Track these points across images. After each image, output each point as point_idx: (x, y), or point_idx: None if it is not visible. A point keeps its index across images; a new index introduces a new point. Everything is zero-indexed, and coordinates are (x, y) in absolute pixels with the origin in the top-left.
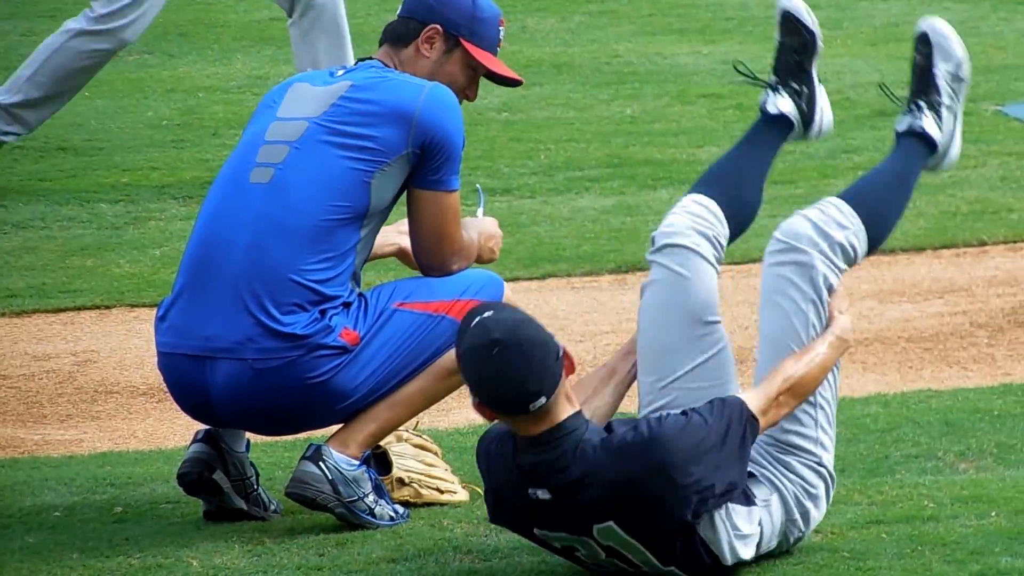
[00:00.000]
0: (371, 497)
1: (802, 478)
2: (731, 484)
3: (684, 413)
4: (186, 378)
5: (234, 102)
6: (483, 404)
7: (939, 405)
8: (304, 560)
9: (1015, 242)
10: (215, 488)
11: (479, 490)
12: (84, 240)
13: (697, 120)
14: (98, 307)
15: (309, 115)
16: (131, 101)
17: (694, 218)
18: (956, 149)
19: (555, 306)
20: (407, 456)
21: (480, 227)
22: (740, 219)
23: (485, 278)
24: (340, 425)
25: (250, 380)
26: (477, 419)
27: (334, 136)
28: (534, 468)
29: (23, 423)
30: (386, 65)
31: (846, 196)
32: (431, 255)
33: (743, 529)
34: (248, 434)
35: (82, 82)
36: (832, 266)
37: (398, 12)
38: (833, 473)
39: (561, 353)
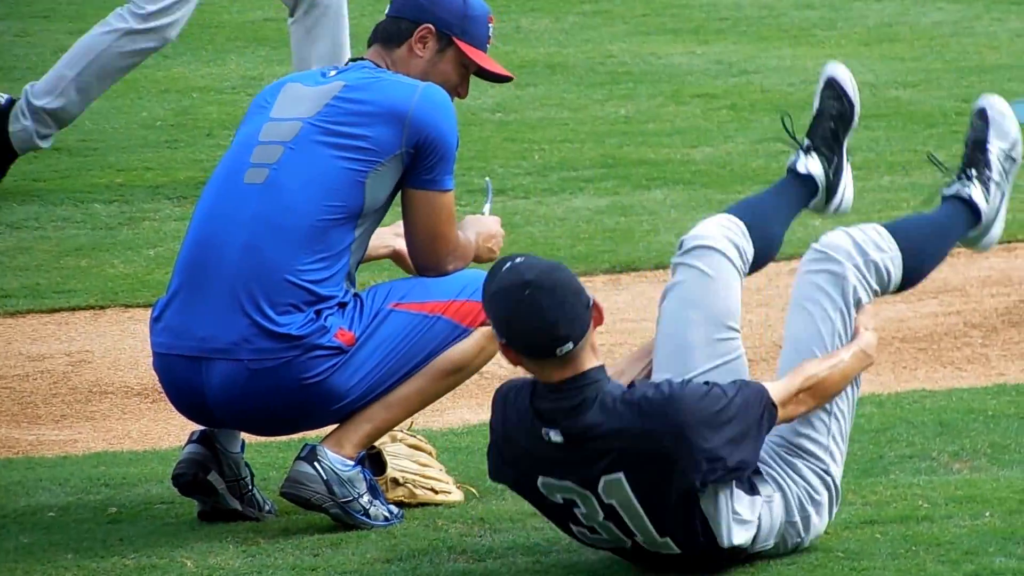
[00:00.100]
0: (366, 498)
1: (807, 482)
2: (742, 462)
3: (707, 383)
4: (182, 379)
5: (228, 102)
6: (509, 347)
7: (933, 405)
8: (298, 560)
9: (1009, 242)
10: (210, 489)
11: (474, 491)
12: (78, 240)
13: (691, 120)
14: (92, 307)
15: (303, 115)
16: (125, 101)
17: (724, 228)
18: (999, 227)
19: None
20: (401, 456)
21: (479, 227)
22: (761, 251)
23: (481, 278)
24: (335, 425)
25: (246, 381)
26: (471, 419)
27: (328, 136)
28: (552, 411)
29: (17, 423)
30: (378, 65)
31: (888, 226)
32: (426, 255)
33: (743, 514)
34: (243, 434)
35: (116, 81)
36: (864, 283)
37: (387, 12)
38: (839, 487)
39: (591, 303)
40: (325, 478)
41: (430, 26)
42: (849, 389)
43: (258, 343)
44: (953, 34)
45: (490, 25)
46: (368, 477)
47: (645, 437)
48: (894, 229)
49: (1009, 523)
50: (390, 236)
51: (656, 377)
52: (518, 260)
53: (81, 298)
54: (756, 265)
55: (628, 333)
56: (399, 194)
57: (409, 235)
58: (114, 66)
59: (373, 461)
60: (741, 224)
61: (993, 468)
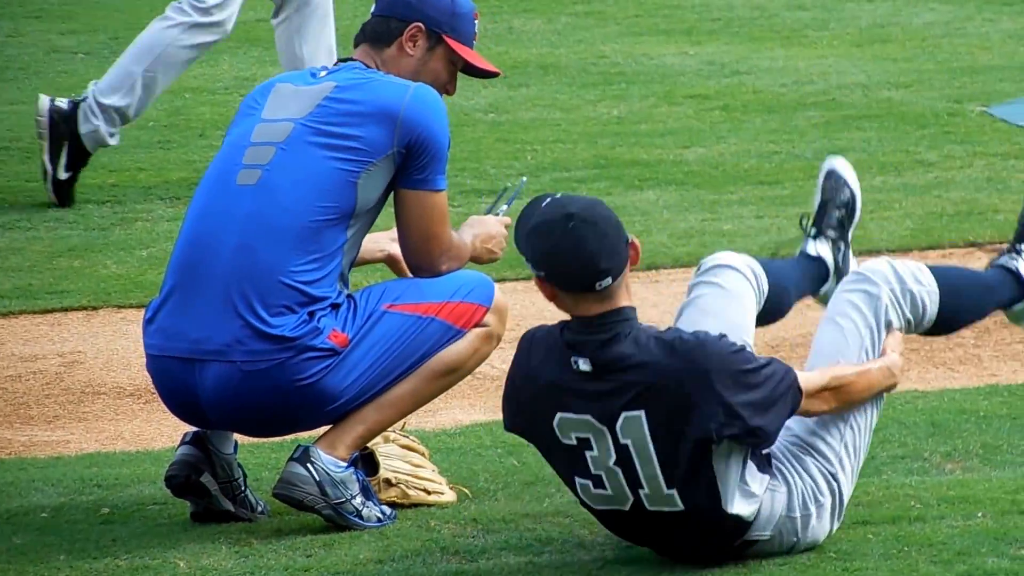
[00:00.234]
0: (358, 499)
1: (814, 481)
2: (760, 429)
3: (743, 345)
4: (175, 381)
5: (220, 103)
6: (546, 280)
7: (925, 406)
8: (291, 561)
9: (1001, 243)
10: (203, 490)
11: (467, 491)
12: (71, 241)
13: (684, 121)
14: (85, 308)
15: (295, 116)
16: None
17: (743, 256)
18: None
19: (542, 307)
20: (394, 457)
21: (478, 228)
22: (772, 299)
23: (475, 279)
24: (328, 426)
25: (239, 382)
26: (464, 420)
27: (320, 137)
28: (583, 342)
29: (10, 424)
30: (367, 66)
31: (931, 266)
32: (419, 255)
33: (751, 486)
34: (236, 435)
35: (179, 75)
36: (898, 308)
37: (373, 11)
38: (844, 498)
39: (629, 240)
40: (318, 479)
41: (420, 24)
42: (869, 408)
43: (251, 345)
44: (945, 35)
45: (476, 21)
46: (361, 478)
47: (671, 375)
48: (936, 270)
49: (1001, 523)
50: (385, 240)
51: None
52: (558, 196)
53: (74, 299)
54: (765, 316)
55: None
56: (392, 195)
57: (402, 236)
58: (177, 59)
59: (366, 462)
60: (758, 264)
61: (985, 468)
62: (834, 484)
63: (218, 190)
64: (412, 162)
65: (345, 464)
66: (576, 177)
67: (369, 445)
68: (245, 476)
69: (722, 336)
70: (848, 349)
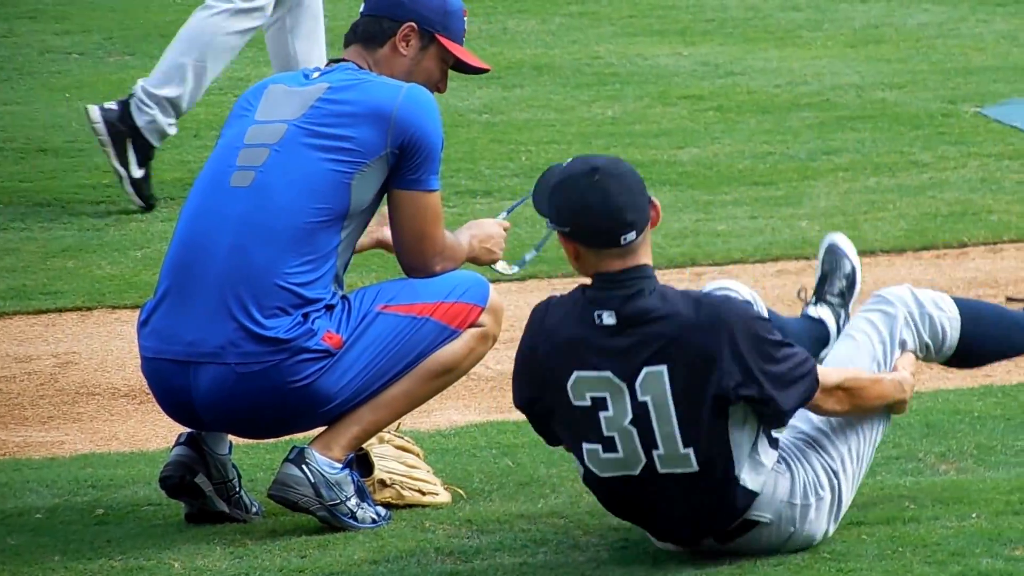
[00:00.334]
0: (353, 500)
1: (816, 474)
2: (774, 400)
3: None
4: (170, 383)
5: (215, 104)
6: (571, 237)
7: (919, 407)
8: (286, 562)
9: (995, 243)
10: (197, 491)
11: (461, 492)
12: (65, 241)
13: (678, 121)
14: (79, 309)
15: (288, 117)
16: None
17: (747, 286)
18: None
19: None
20: (389, 458)
21: (476, 229)
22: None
23: (470, 280)
24: (324, 427)
25: (233, 384)
26: (459, 421)
27: (314, 138)
28: (607, 297)
29: (4, 425)
30: (359, 66)
31: (955, 297)
32: (413, 256)
33: (761, 458)
34: (231, 436)
35: (228, 63)
36: (914, 329)
37: (362, 10)
38: (843, 499)
39: (651, 199)
40: (313, 481)
41: (413, 24)
42: (876, 422)
43: (245, 347)
44: (939, 36)
45: (466, 18)
46: (356, 479)
47: (695, 329)
48: (960, 300)
49: (995, 524)
50: (372, 226)
51: None
52: (580, 154)
53: (68, 299)
54: None
55: None
56: (386, 196)
57: (396, 236)
58: (224, 47)
59: (360, 462)
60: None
61: (979, 469)
62: (835, 481)
63: (212, 192)
64: (405, 163)
65: (340, 466)
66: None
67: (364, 446)
68: (240, 477)
69: (748, 303)
70: (860, 358)
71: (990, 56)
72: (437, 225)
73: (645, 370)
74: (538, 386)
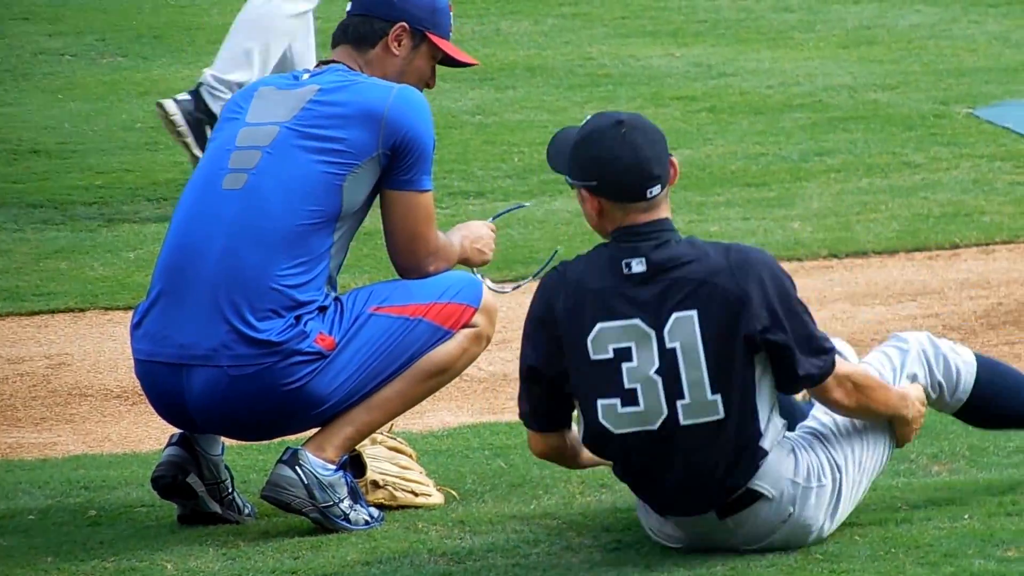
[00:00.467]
0: (346, 502)
1: (820, 462)
2: (793, 356)
3: None
4: (163, 385)
5: None
6: (596, 192)
7: None
8: (279, 563)
9: (987, 244)
10: (189, 492)
11: (454, 493)
12: (58, 243)
13: (671, 122)
14: (72, 310)
15: (280, 120)
16: (105, 104)
17: None
18: None
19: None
20: (381, 459)
21: (466, 230)
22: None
23: (464, 280)
24: (317, 428)
25: (226, 387)
26: (451, 422)
27: (306, 140)
28: (635, 247)
29: None
30: (350, 67)
31: (976, 353)
32: (406, 256)
33: (776, 422)
34: (223, 438)
35: (287, 45)
36: (926, 367)
37: (350, 10)
38: (842, 496)
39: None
40: (306, 482)
41: (404, 24)
42: (882, 443)
43: (238, 349)
44: (931, 37)
45: (451, 13)
46: (349, 481)
47: (726, 272)
48: (980, 357)
49: (988, 525)
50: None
51: None
52: (596, 112)
53: (61, 300)
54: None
55: None
56: (378, 197)
57: (388, 237)
58: (283, 30)
59: (353, 463)
60: None
61: (972, 470)
62: (837, 475)
63: (204, 194)
64: (397, 163)
65: (334, 467)
66: (563, 179)
67: (357, 447)
68: (232, 478)
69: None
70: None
71: (982, 57)
72: (430, 225)
73: (675, 315)
74: (555, 345)
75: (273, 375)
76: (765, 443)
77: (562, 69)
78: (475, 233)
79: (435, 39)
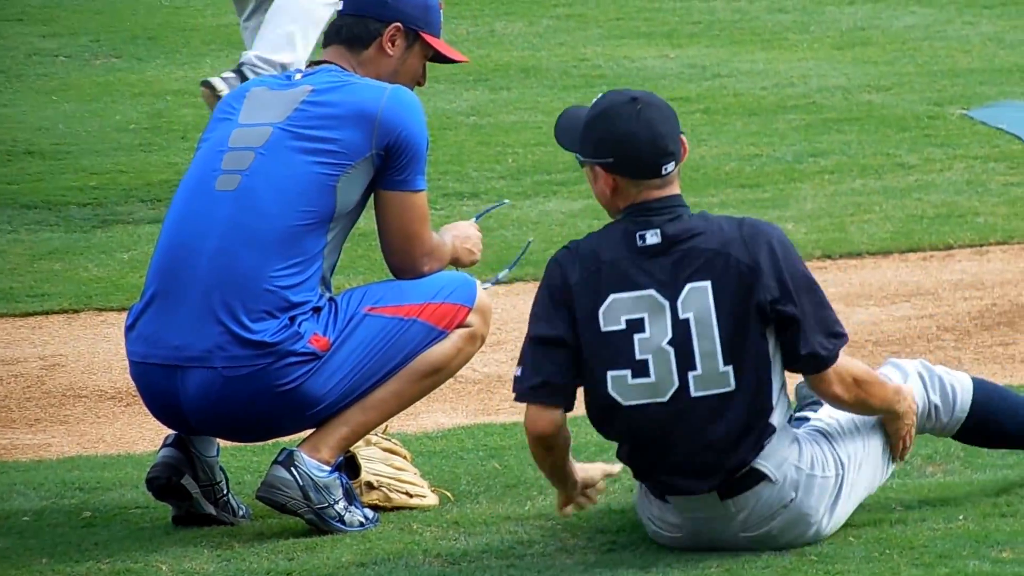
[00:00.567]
0: (341, 504)
1: (824, 454)
2: (801, 330)
3: None
4: (158, 387)
5: (202, 106)
6: (612, 168)
7: None
8: (273, 564)
9: (981, 246)
10: (184, 493)
11: (448, 494)
12: (52, 244)
13: None
14: (66, 311)
15: (273, 120)
16: (99, 105)
17: None
18: None
19: (523, 309)
20: (376, 460)
21: (455, 230)
22: None
23: (458, 280)
24: (312, 429)
25: (220, 388)
26: (446, 423)
27: (299, 141)
28: (649, 220)
29: None
30: (342, 67)
31: (972, 376)
32: (401, 256)
33: (784, 402)
34: (219, 439)
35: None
36: (924, 387)
37: (341, 11)
38: (842, 493)
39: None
40: (301, 484)
41: (399, 24)
42: (883, 458)
43: (232, 350)
44: (925, 38)
45: (441, 10)
46: (344, 482)
47: (739, 243)
48: (975, 377)
49: (983, 526)
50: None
51: None
52: (608, 90)
53: (55, 302)
54: None
55: None
56: (371, 197)
57: (383, 238)
58: (319, 16)
59: (348, 465)
60: None
61: (966, 471)
62: (840, 470)
63: (197, 196)
64: (391, 163)
65: (329, 469)
66: (557, 180)
67: (351, 448)
68: (227, 479)
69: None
70: None
71: (976, 58)
72: (424, 225)
73: (688, 286)
74: (564, 316)
75: (268, 376)
76: (774, 419)
77: (557, 70)
78: (464, 233)
79: (428, 38)
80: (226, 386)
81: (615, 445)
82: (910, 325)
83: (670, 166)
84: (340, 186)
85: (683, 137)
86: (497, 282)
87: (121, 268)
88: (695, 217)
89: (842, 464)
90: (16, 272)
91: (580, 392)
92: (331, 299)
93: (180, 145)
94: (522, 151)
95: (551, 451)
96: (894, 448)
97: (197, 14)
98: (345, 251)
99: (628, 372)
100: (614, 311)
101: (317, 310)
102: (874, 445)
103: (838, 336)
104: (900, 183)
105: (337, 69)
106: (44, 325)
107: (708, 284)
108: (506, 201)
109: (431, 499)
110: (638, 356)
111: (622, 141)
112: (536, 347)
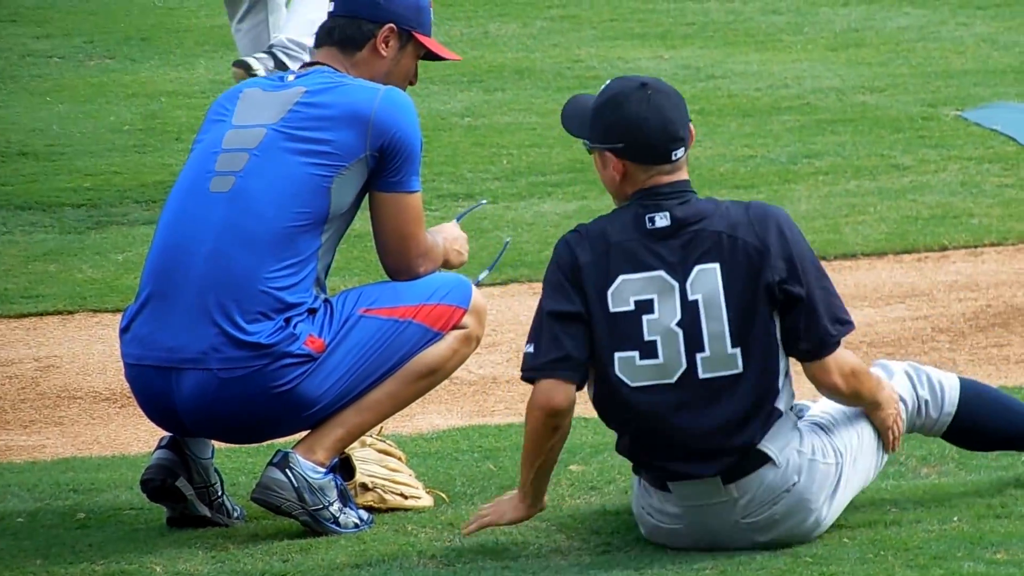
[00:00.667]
0: (336, 505)
1: (823, 443)
2: (810, 310)
3: None
4: (153, 389)
5: (196, 107)
6: (622, 153)
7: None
8: (268, 566)
9: (976, 247)
10: (178, 495)
11: (443, 496)
12: (47, 245)
13: None
14: (61, 312)
15: (267, 122)
16: (93, 106)
17: None
18: None
19: (517, 311)
20: (371, 461)
21: (444, 232)
22: None
23: (453, 281)
24: (307, 431)
25: (216, 390)
26: (441, 424)
27: (293, 142)
28: (658, 203)
29: None
30: (335, 69)
31: (961, 376)
32: (397, 257)
33: (789, 387)
34: (214, 441)
35: None
36: (911, 385)
37: (333, 12)
38: (841, 481)
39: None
40: (296, 485)
41: (393, 25)
42: (876, 452)
43: (227, 352)
44: (919, 39)
45: (431, 9)
46: (339, 484)
47: (747, 225)
48: (962, 376)
49: (977, 528)
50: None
51: None
52: (615, 77)
53: (49, 303)
54: None
55: None
56: (365, 198)
57: (379, 239)
58: None
59: (342, 466)
60: None
61: (961, 473)
62: (839, 459)
63: (191, 197)
64: (386, 165)
65: (324, 470)
66: (552, 181)
67: (346, 449)
68: (222, 481)
69: None
70: None
71: (970, 59)
72: (420, 225)
73: (697, 268)
74: (576, 295)
75: (263, 378)
76: (780, 404)
77: (550, 71)
78: (452, 235)
79: (422, 38)
80: (221, 388)
81: (611, 445)
82: (905, 326)
83: (679, 151)
84: (334, 187)
85: (691, 124)
86: (478, 284)
87: (116, 269)
88: (703, 201)
89: (840, 454)
90: (10, 273)
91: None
92: (326, 300)
93: (174, 146)
94: (516, 152)
95: (557, 431)
96: (885, 438)
97: (191, 15)
98: (340, 252)
99: (636, 353)
100: (623, 292)
101: (312, 311)
102: (868, 438)
103: (844, 323)
104: (894, 184)
105: (330, 70)
106: (39, 326)
107: (717, 266)
108: (484, 201)
109: (426, 500)
110: (646, 337)
111: (633, 126)
112: (553, 321)
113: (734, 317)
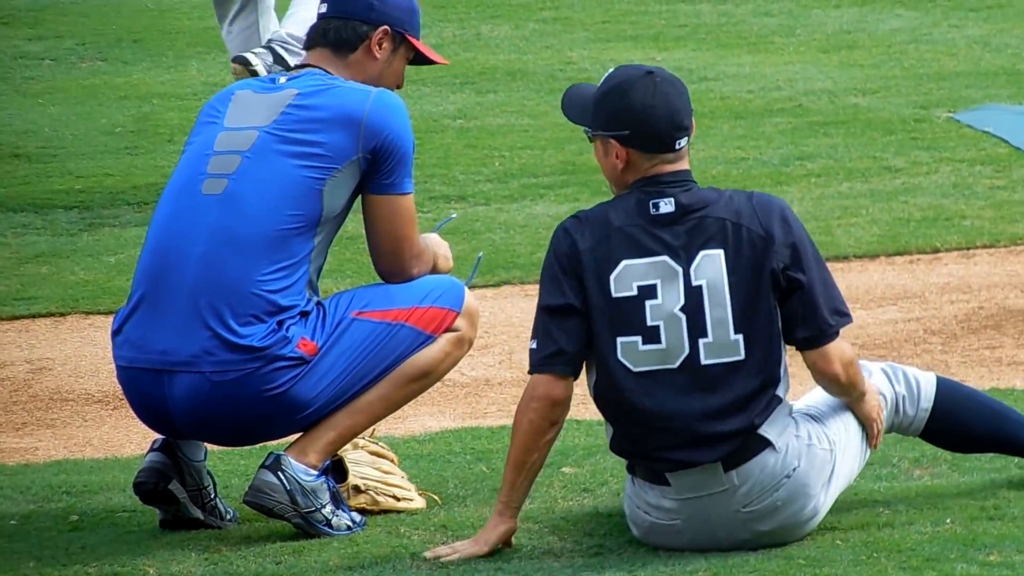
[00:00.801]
0: (328, 508)
1: (817, 431)
2: (813, 294)
3: None
4: (145, 391)
5: (188, 109)
6: (626, 141)
7: None
8: (261, 568)
9: (968, 249)
10: (171, 498)
11: (436, 498)
12: (39, 247)
13: None
14: (53, 314)
15: (259, 124)
16: (85, 108)
17: None
18: None
19: (510, 313)
20: (363, 463)
21: (428, 238)
22: None
23: (446, 283)
24: (300, 433)
25: (208, 393)
26: (433, 427)
27: (285, 144)
28: (663, 190)
29: None
30: (327, 71)
31: (939, 375)
32: (390, 259)
33: (787, 378)
34: (206, 443)
35: None
36: (889, 381)
37: (325, 13)
38: (836, 470)
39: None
40: (288, 488)
41: (387, 28)
42: (863, 447)
43: (220, 355)
44: (911, 41)
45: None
46: (332, 486)
47: (751, 213)
48: (939, 375)
49: (970, 529)
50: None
51: None
52: (618, 66)
53: (42, 305)
54: None
55: None
56: (358, 200)
57: (372, 241)
58: None
59: (335, 468)
60: None
61: (954, 475)
62: (833, 449)
63: (183, 199)
64: (378, 167)
65: (316, 473)
66: (544, 183)
67: (338, 452)
68: (215, 484)
69: None
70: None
71: (962, 61)
72: (412, 228)
73: (702, 254)
74: (573, 284)
75: (256, 380)
76: (780, 391)
77: (543, 73)
78: (436, 241)
79: (414, 41)
80: (214, 391)
81: (603, 447)
82: (897, 328)
83: (683, 141)
84: (327, 190)
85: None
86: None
87: (108, 271)
88: (706, 189)
89: (833, 443)
90: (3, 275)
91: (579, 392)
92: (319, 303)
93: (166, 148)
94: (509, 154)
95: (555, 426)
96: (869, 430)
97: (182, 17)
98: (333, 255)
99: (639, 338)
100: (625, 277)
101: (305, 314)
102: (854, 431)
103: (842, 315)
104: (886, 186)
105: (321, 73)
106: (31, 328)
107: (721, 252)
108: (453, 215)
109: (418, 502)
110: (649, 322)
111: (639, 114)
112: (547, 317)
113: (737, 304)
